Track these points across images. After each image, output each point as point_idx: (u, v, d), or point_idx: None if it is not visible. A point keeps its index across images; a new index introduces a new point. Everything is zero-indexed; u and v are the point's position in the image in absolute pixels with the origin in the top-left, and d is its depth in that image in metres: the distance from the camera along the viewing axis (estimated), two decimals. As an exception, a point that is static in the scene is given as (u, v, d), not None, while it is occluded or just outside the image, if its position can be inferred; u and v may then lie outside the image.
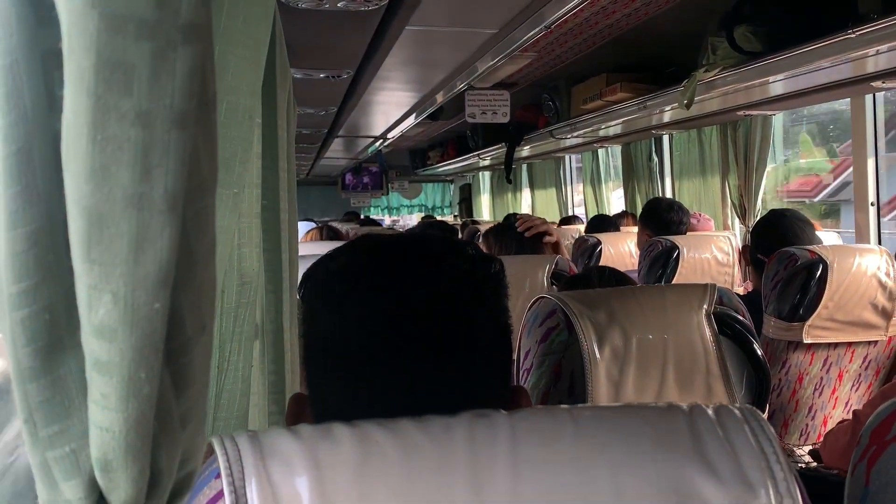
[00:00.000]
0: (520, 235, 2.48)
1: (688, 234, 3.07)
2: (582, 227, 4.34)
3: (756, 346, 1.32)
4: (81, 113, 0.29)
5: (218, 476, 0.47)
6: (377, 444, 0.49)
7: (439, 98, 3.32)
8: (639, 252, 3.10)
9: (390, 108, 3.68)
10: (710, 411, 0.54)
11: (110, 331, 0.32)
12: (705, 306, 1.30)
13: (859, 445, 0.64)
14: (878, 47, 2.00)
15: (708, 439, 0.51)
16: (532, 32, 2.12)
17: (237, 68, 0.51)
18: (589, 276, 1.66)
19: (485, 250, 2.56)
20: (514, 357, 1.37)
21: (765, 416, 1.35)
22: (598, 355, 1.24)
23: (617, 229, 3.74)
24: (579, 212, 5.83)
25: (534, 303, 1.34)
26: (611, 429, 0.51)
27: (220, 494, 0.46)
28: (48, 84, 0.32)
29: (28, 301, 0.33)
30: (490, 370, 0.64)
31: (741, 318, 1.33)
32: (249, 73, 0.53)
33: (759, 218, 3.01)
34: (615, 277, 1.62)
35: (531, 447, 0.50)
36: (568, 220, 5.21)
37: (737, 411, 0.53)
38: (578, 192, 6.01)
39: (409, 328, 0.60)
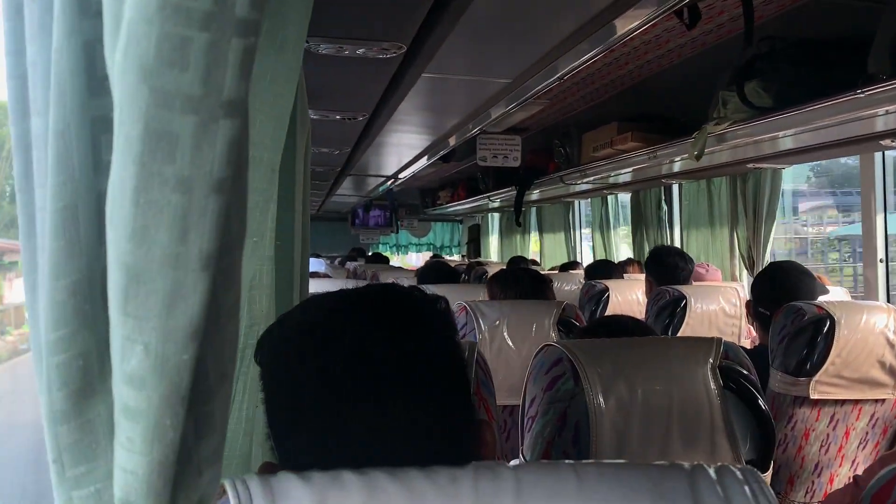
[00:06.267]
0: (526, 281, 2.49)
1: (695, 284, 3.07)
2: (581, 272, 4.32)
3: (761, 401, 1.32)
4: (127, 178, 0.31)
5: None
6: (385, 492, 0.51)
7: (452, 141, 3.37)
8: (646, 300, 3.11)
9: (403, 150, 3.73)
10: (711, 471, 0.55)
11: (140, 379, 0.33)
12: (711, 360, 1.30)
13: (860, 509, 0.64)
14: (888, 107, 2.02)
15: (708, 499, 0.52)
16: (545, 83, 2.17)
17: (262, 124, 0.53)
18: (609, 325, 1.65)
19: (489, 295, 2.58)
20: (520, 403, 1.38)
21: (769, 472, 1.34)
22: (603, 406, 1.24)
23: (620, 275, 3.74)
24: (588, 257, 5.84)
25: (540, 350, 1.35)
26: (613, 485, 0.52)
27: None
28: (95, 148, 0.35)
29: (64, 347, 0.35)
30: (452, 403, 0.66)
31: (747, 372, 1.34)
32: (274, 129, 0.56)
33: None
34: (640, 330, 1.61)
35: (535, 501, 0.51)
36: (570, 265, 5.21)
37: (738, 472, 0.54)
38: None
39: (369, 371, 0.62)
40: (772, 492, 0.54)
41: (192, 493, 0.40)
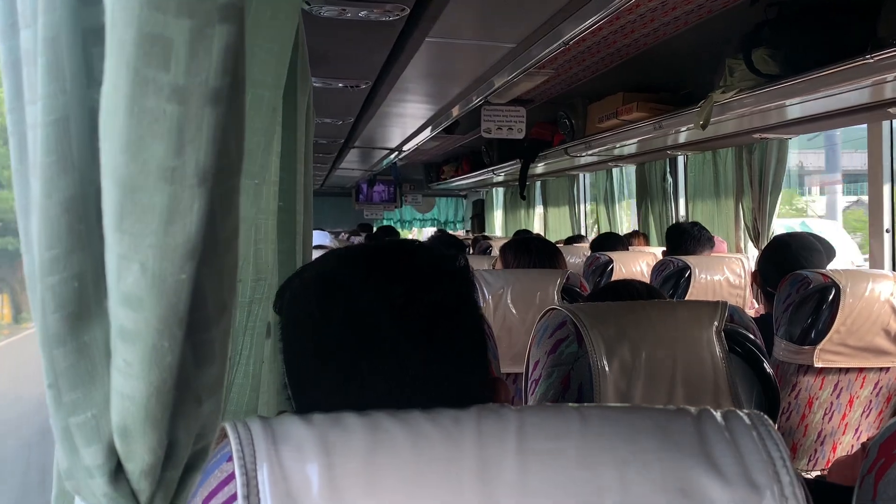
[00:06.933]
0: (537, 250, 2.48)
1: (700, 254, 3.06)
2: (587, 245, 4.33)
3: (766, 365, 1.31)
4: (120, 85, 0.30)
5: (229, 459, 0.48)
6: (387, 432, 0.50)
7: (455, 111, 3.34)
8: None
9: (407, 121, 3.71)
10: (717, 415, 0.54)
11: (137, 300, 0.33)
12: (716, 323, 1.29)
13: (867, 458, 0.64)
14: (897, 73, 2.00)
15: (715, 441, 0.52)
16: (550, 48, 2.14)
17: (263, 62, 0.52)
18: (618, 290, 1.64)
19: (502, 264, 2.57)
20: (524, 368, 1.37)
21: (773, 435, 1.34)
22: (606, 369, 1.24)
23: (625, 248, 3.73)
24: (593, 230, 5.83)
25: (544, 314, 1.34)
26: (618, 427, 0.52)
27: (231, 477, 0.47)
28: (87, 60, 0.33)
29: (59, 268, 0.34)
30: (470, 359, 0.66)
31: (752, 336, 1.33)
32: (274, 67, 0.54)
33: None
34: (650, 294, 1.60)
35: (539, 441, 0.50)
36: (575, 238, 5.21)
37: (745, 416, 0.54)
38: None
39: (390, 323, 0.62)
40: (780, 435, 0.53)
41: (192, 421, 0.39)
